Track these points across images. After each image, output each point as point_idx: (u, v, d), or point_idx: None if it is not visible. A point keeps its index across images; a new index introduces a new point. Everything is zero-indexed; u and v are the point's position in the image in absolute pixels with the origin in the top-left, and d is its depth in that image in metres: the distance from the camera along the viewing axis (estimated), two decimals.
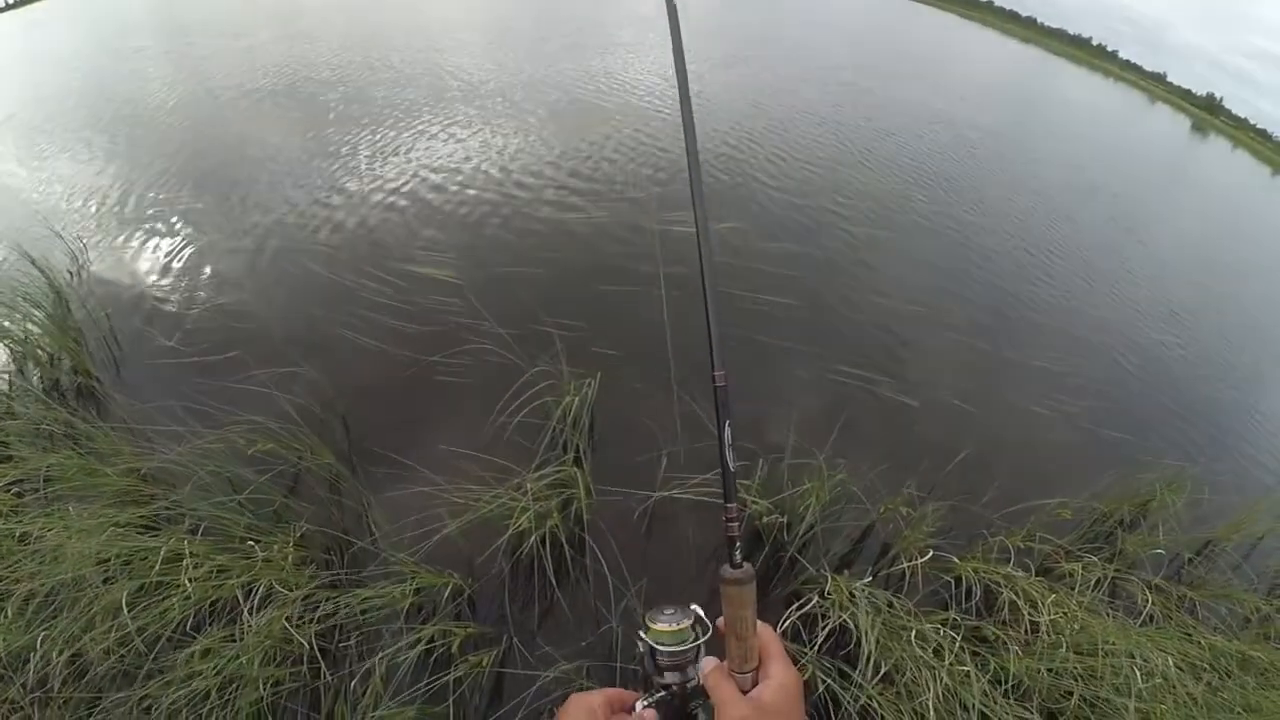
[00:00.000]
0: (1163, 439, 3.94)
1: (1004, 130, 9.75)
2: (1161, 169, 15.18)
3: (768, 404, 3.14)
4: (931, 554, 2.48)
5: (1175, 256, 7.93)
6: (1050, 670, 2.09)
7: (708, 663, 0.69)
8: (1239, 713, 2.10)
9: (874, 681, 1.98)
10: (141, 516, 2.25)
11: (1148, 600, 2.48)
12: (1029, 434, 3.60)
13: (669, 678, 0.68)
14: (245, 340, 3.35)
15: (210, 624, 2.06)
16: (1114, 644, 2.09)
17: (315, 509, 2.49)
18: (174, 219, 4.78)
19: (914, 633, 2.09)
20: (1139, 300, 5.87)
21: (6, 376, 3.29)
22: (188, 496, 2.31)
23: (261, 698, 1.91)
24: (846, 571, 2.50)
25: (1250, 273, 8.58)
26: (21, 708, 1.97)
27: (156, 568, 2.01)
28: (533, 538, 2.31)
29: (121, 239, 4.65)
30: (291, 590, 2.12)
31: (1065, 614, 2.24)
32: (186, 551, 2.04)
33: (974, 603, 2.42)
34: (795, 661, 0.98)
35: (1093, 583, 2.49)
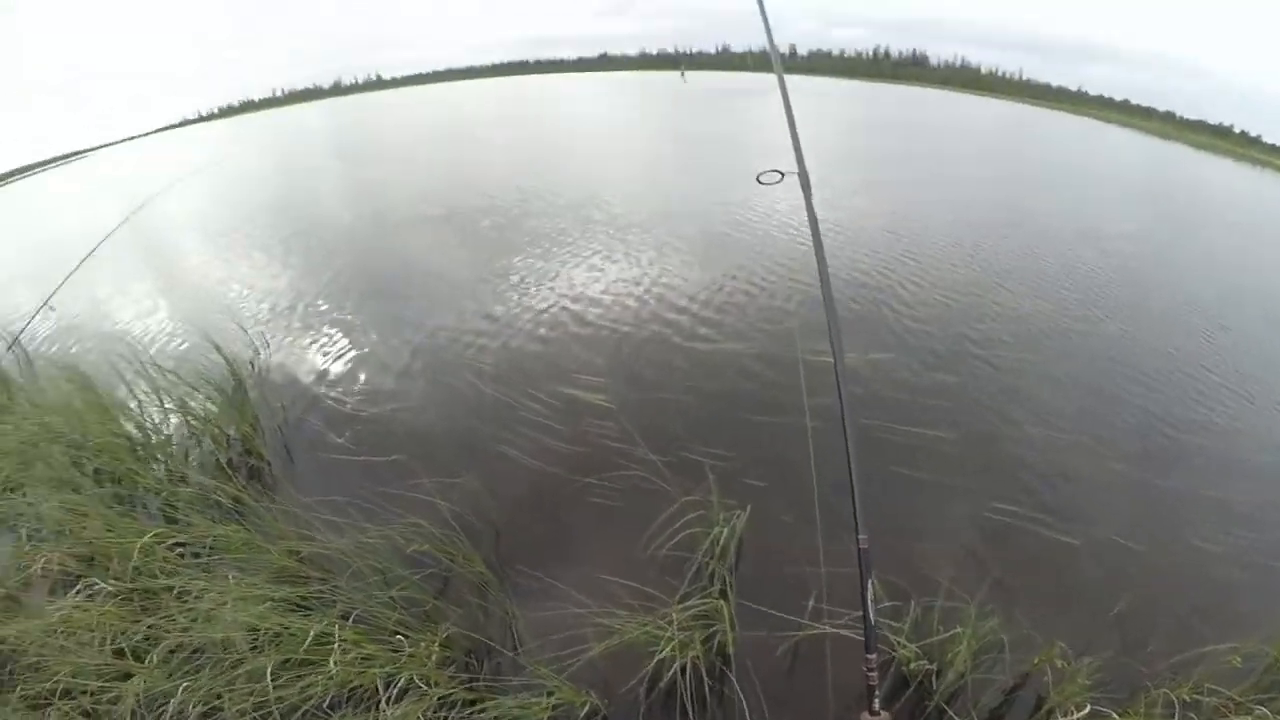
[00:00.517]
0: None
1: (1149, 237, 9.21)
2: None
3: (916, 542, 3.00)
4: (1089, 708, 2.21)
5: None
6: None
7: None
8: None
9: None
10: (298, 595, 2.36)
11: None
12: (1198, 572, 3.18)
13: None
14: (409, 445, 3.60)
15: (348, 706, 2.10)
16: None
17: (463, 613, 2.53)
18: (346, 325, 5.40)
19: None
20: None
21: (185, 447, 3.68)
22: (344, 584, 2.42)
23: None
24: None
25: None
26: None
27: (305, 645, 2.10)
28: (674, 667, 2.24)
29: (298, 338, 5.28)
30: (431, 687, 2.13)
31: None
32: (336, 635, 2.12)
33: None
34: None
35: None
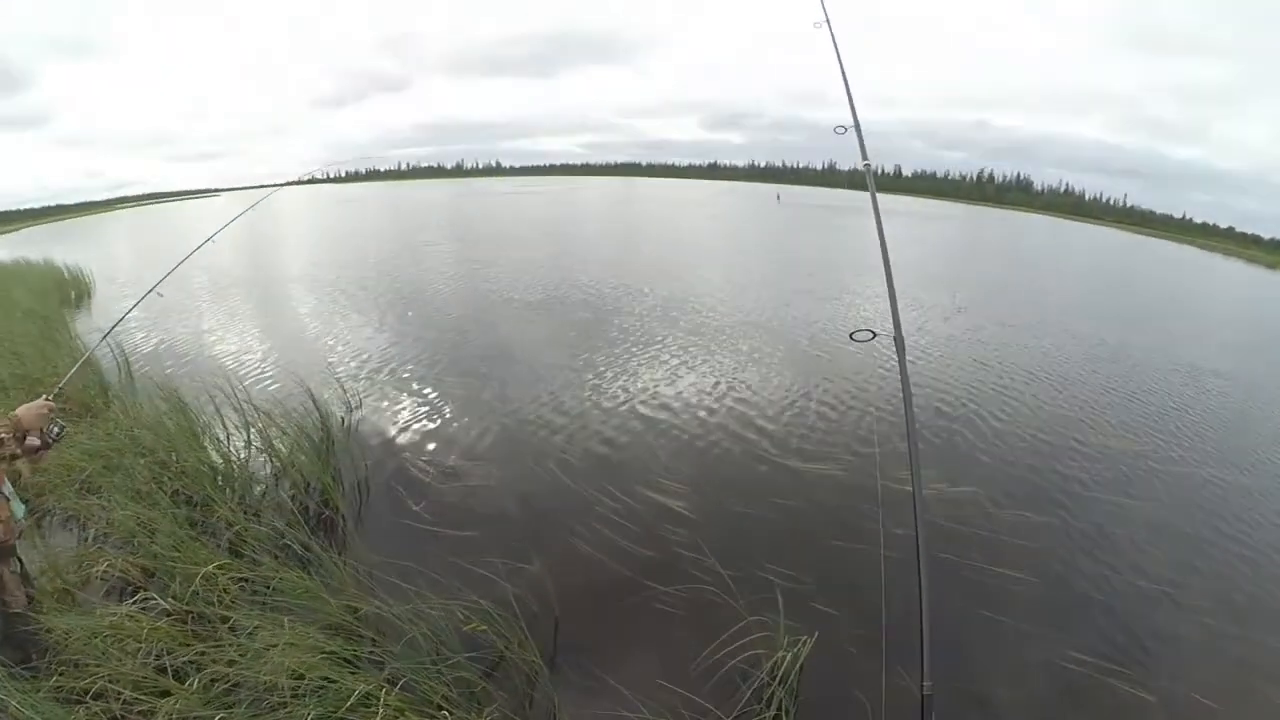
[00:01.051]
0: None
1: (1246, 372, 8.69)
2: None
3: (985, 687, 2.70)
4: None
5: None
6: None
7: None
8: None
9: None
10: (349, 651, 2.31)
11: None
12: None
13: None
14: (483, 523, 3.60)
15: None
16: None
17: (509, 697, 2.39)
18: (437, 397, 5.59)
19: None
20: None
21: (265, 487, 3.76)
22: (397, 649, 2.35)
23: None
24: None
25: None
26: None
27: (349, 703, 2.01)
28: None
29: (391, 401, 5.49)
30: None
31: None
32: (381, 699, 2.03)
33: None
34: None
35: None
